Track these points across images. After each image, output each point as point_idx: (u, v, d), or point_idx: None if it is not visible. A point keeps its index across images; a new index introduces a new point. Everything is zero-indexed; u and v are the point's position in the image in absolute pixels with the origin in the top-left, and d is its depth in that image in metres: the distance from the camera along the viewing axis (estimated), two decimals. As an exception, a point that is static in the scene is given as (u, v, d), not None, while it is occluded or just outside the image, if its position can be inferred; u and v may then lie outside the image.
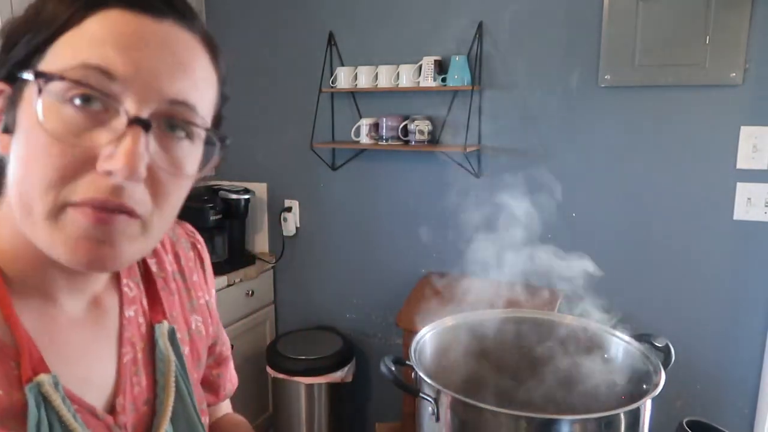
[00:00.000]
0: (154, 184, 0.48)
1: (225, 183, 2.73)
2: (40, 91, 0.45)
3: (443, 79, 2.25)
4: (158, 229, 0.51)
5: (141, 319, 0.61)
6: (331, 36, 2.49)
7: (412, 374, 0.78)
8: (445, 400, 0.71)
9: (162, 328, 0.62)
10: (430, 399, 0.72)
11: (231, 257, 2.63)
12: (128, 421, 0.57)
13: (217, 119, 0.56)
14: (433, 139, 2.36)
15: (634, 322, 2.22)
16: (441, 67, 2.26)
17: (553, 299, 2.03)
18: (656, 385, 0.72)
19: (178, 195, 0.52)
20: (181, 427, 0.60)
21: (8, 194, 0.49)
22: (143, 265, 0.64)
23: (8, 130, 0.48)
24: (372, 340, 2.68)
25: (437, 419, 0.72)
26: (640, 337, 0.85)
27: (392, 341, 2.62)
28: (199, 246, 0.74)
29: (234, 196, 2.60)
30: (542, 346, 0.94)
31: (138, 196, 0.47)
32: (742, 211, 2.01)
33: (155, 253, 0.66)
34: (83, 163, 0.45)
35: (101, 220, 0.46)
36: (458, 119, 2.34)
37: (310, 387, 2.43)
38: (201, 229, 2.82)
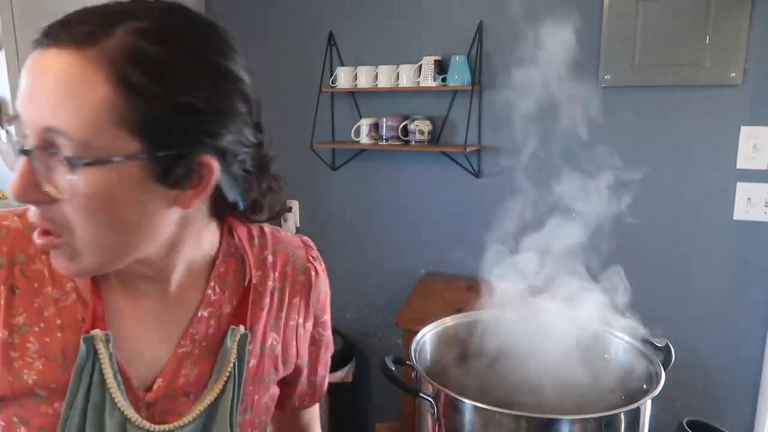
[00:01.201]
0: (58, 206, 0.52)
1: (225, 183, 2.73)
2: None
3: (443, 79, 2.25)
4: (88, 247, 0.54)
5: (213, 321, 0.67)
6: (331, 36, 2.49)
7: (412, 374, 0.78)
8: (445, 400, 0.71)
9: (236, 332, 0.66)
10: (430, 399, 0.72)
11: (231, 257, 2.63)
12: (159, 402, 0.63)
13: (162, 123, 0.52)
14: (433, 139, 2.36)
15: (635, 322, 2.22)
16: (441, 67, 2.26)
17: (553, 299, 2.03)
18: (656, 385, 0.72)
19: (85, 215, 0.52)
20: (213, 419, 0.64)
21: None
22: (246, 274, 0.69)
23: None
24: (372, 340, 2.68)
25: (437, 419, 0.72)
26: (640, 337, 0.85)
27: (392, 341, 2.62)
28: (313, 273, 0.77)
29: (234, 196, 2.60)
30: (542, 346, 0.94)
31: (48, 218, 0.53)
32: (742, 211, 2.01)
33: (263, 267, 0.72)
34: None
35: (44, 242, 0.55)
36: (458, 119, 2.34)
37: (310, 387, 2.43)
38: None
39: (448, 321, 0.93)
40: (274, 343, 0.71)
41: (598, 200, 2.28)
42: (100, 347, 0.59)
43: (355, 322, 2.69)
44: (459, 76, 2.22)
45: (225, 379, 0.64)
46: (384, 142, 2.35)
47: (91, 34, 0.51)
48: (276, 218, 0.74)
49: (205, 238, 0.67)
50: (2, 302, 0.59)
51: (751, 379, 2.08)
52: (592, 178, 2.27)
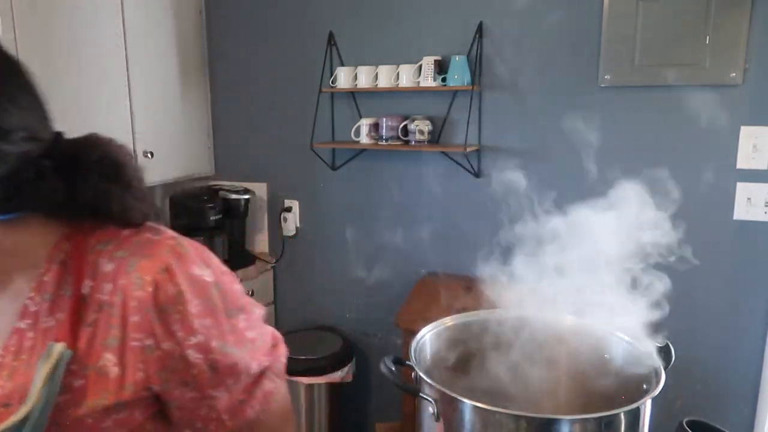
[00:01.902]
0: None
1: (225, 183, 2.73)
2: None
3: (443, 79, 2.25)
4: None
5: (32, 334, 0.63)
6: (331, 36, 2.49)
7: (412, 374, 0.78)
8: (445, 400, 0.71)
9: (55, 348, 0.61)
10: (430, 399, 0.72)
11: (231, 257, 2.63)
12: None
13: None
14: (433, 139, 2.36)
15: (635, 323, 2.21)
16: (441, 67, 2.26)
17: (553, 299, 2.03)
18: (656, 385, 0.72)
19: None
20: None
21: None
22: (75, 284, 0.63)
23: None
24: (372, 340, 2.68)
25: (437, 419, 0.72)
26: (640, 338, 0.85)
27: (392, 341, 2.62)
28: (152, 288, 0.63)
29: (234, 196, 2.60)
30: (542, 346, 0.94)
31: None
32: (742, 211, 2.02)
33: (96, 277, 0.64)
34: None
35: None
36: (458, 119, 2.34)
37: (310, 387, 2.43)
38: (201, 229, 2.79)
39: (448, 321, 0.93)
40: (109, 364, 0.63)
41: (598, 200, 2.28)
42: None
43: (355, 322, 2.70)
44: (459, 76, 2.22)
45: (37, 396, 0.59)
46: (384, 142, 2.35)
47: None
48: (137, 225, 0.68)
49: (27, 246, 0.64)
50: None
51: (751, 379, 2.08)
52: (592, 178, 2.27)
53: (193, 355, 0.66)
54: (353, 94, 2.49)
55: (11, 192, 0.60)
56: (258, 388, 0.74)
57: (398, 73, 2.31)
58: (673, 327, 2.15)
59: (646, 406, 0.70)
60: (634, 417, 0.69)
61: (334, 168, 2.60)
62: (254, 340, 0.75)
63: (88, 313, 0.63)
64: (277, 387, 0.79)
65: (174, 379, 0.67)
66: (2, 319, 0.63)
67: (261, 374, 0.75)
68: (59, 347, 0.61)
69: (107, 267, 0.64)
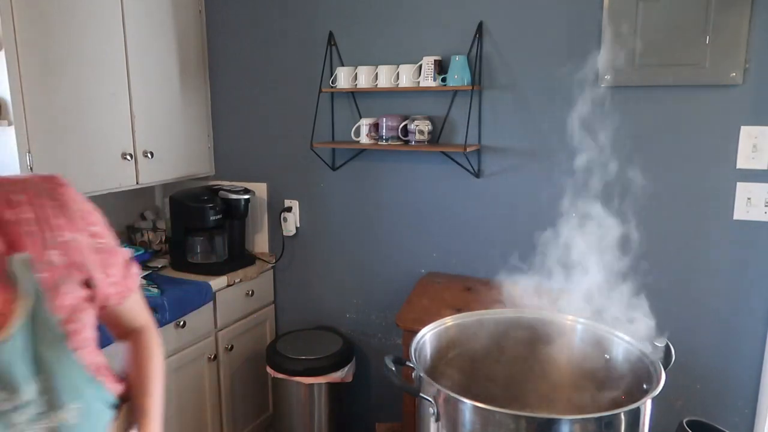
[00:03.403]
0: None
1: (225, 183, 2.73)
2: None
3: (443, 79, 2.25)
4: None
5: None
6: (331, 36, 2.49)
7: (412, 374, 0.78)
8: (445, 400, 0.71)
9: (17, 259, 0.80)
10: (430, 399, 0.72)
11: (231, 257, 2.63)
12: None
13: None
14: (433, 139, 2.36)
15: (635, 322, 2.21)
16: (441, 67, 2.26)
17: (553, 299, 2.03)
18: (656, 385, 0.72)
19: None
20: (36, 328, 0.80)
21: None
22: (1, 216, 0.82)
23: None
24: (372, 340, 2.68)
25: (437, 419, 0.72)
26: (640, 337, 0.85)
27: (392, 341, 2.62)
28: (60, 195, 0.88)
29: (234, 196, 2.60)
30: (542, 346, 0.94)
31: None
32: (742, 211, 2.01)
33: (12, 206, 0.83)
34: None
35: None
36: (458, 119, 2.34)
37: (310, 387, 2.43)
38: (201, 229, 2.79)
39: (448, 321, 0.93)
40: (54, 255, 0.85)
41: (599, 200, 2.28)
42: None
43: (355, 322, 2.70)
44: (459, 76, 2.22)
45: (28, 294, 0.79)
46: (384, 142, 2.35)
47: None
48: None
49: None
50: None
51: (751, 379, 2.08)
52: (592, 178, 2.27)
53: (99, 241, 0.91)
54: (353, 94, 2.49)
55: None
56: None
57: (398, 73, 2.31)
58: (673, 327, 2.15)
59: (646, 406, 0.70)
60: (634, 417, 0.68)
61: (334, 168, 2.60)
62: None
63: (23, 228, 0.83)
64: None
65: (98, 260, 0.92)
66: None
67: None
68: (23, 256, 0.80)
69: (22, 197, 0.85)
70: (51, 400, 0.81)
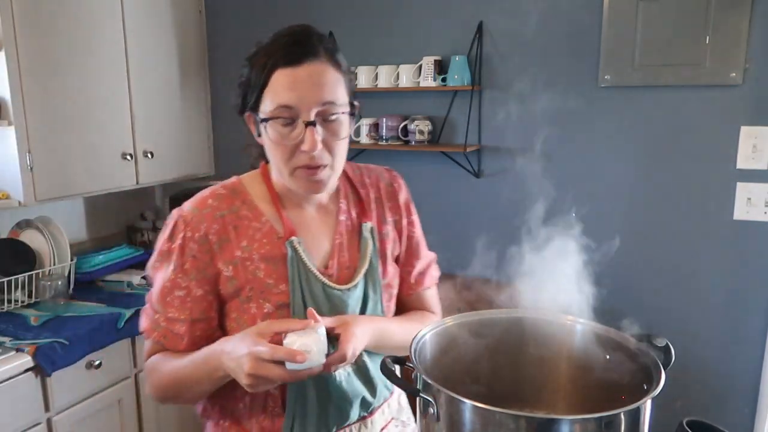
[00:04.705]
0: (327, 148, 0.93)
1: (225, 183, 2.72)
2: (265, 121, 0.93)
3: (443, 79, 2.25)
4: (339, 168, 0.97)
5: (348, 222, 1.06)
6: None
7: (412, 374, 0.78)
8: (445, 400, 0.71)
9: (367, 226, 1.06)
10: (430, 399, 0.72)
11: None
12: (334, 274, 1.01)
13: (352, 85, 0.98)
14: (433, 139, 2.36)
15: (635, 322, 2.21)
16: (441, 67, 2.26)
17: (553, 299, 2.03)
18: (656, 385, 0.72)
19: (342, 150, 0.96)
20: (368, 283, 1.03)
21: (270, 162, 1.01)
22: (357, 193, 1.09)
23: (260, 135, 0.98)
24: (372, 340, 2.68)
25: (437, 419, 0.72)
26: (640, 337, 0.85)
27: (392, 341, 2.62)
28: (396, 184, 1.15)
29: (234, 196, 2.60)
30: (542, 346, 0.94)
31: (325, 156, 0.93)
32: (742, 211, 2.01)
33: (365, 186, 1.11)
34: (292, 149, 0.92)
35: (311, 173, 0.94)
36: (458, 119, 2.34)
37: (310, 387, 2.43)
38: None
39: (448, 321, 0.93)
40: (388, 230, 1.09)
41: (599, 200, 2.29)
42: (297, 246, 0.98)
43: (355, 322, 2.69)
44: (459, 76, 2.22)
45: (369, 255, 1.03)
46: (384, 142, 2.35)
47: (317, 48, 0.92)
48: None
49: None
50: (232, 235, 0.98)
51: (751, 379, 2.08)
52: (592, 178, 2.27)
53: (412, 230, 1.15)
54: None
55: None
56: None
57: (398, 73, 2.31)
58: (673, 327, 2.17)
59: (646, 406, 0.70)
60: (634, 417, 0.68)
61: (334, 168, 2.60)
62: None
63: (369, 205, 1.09)
64: None
65: (408, 247, 1.15)
66: (329, 217, 1.05)
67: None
68: (368, 225, 1.06)
69: (368, 180, 1.14)
70: None
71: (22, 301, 2.05)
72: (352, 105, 0.96)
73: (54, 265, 2.12)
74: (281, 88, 0.89)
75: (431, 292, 1.21)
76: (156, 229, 2.80)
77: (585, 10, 2.10)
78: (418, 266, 1.15)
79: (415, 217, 1.15)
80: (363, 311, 1.02)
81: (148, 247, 2.71)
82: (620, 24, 2.04)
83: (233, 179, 1.07)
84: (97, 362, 1.91)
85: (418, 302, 1.18)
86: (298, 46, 0.90)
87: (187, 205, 1.00)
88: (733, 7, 1.91)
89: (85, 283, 2.31)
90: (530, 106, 2.25)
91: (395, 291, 1.10)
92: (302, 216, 1.03)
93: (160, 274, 0.98)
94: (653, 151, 2.10)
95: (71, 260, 2.18)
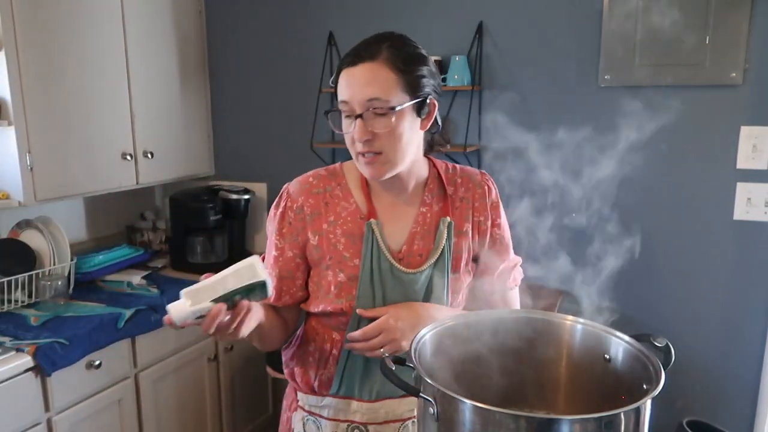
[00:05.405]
0: (379, 138, 1.02)
1: (225, 183, 2.73)
2: (334, 113, 1.07)
3: (443, 79, 2.25)
4: (395, 157, 1.04)
5: (429, 215, 1.14)
6: (331, 36, 2.49)
7: (412, 374, 0.78)
8: (445, 400, 0.71)
9: (445, 220, 1.13)
10: (430, 399, 0.72)
11: (231, 257, 2.63)
12: (405, 259, 1.11)
13: (414, 85, 1.03)
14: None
15: (635, 322, 2.22)
16: (441, 67, 2.26)
17: (553, 299, 2.03)
18: (656, 385, 0.72)
19: (394, 142, 1.03)
20: (437, 272, 1.11)
21: None
22: (444, 190, 1.16)
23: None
24: (372, 340, 2.68)
25: (437, 419, 0.72)
26: (640, 337, 0.85)
27: (392, 341, 2.62)
28: (486, 186, 1.20)
29: (234, 196, 2.60)
30: (542, 346, 0.94)
31: (376, 145, 1.02)
32: (742, 211, 2.02)
33: (455, 184, 1.17)
34: (352, 138, 1.04)
35: (368, 161, 1.04)
36: (458, 119, 2.34)
37: (310, 387, 2.43)
38: (201, 229, 2.77)
39: (448, 321, 0.93)
40: (468, 229, 1.16)
41: (599, 200, 2.28)
42: (375, 228, 1.09)
43: (355, 322, 2.69)
44: (459, 76, 2.22)
45: (441, 247, 1.11)
46: (384, 142, 2.35)
47: (373, 51, 1.02)
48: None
49: (421, 167, 1.15)
50: (323, 210, 1.12)
51: (751, 379, 2.08)
52: (592, 178, 2.26)
53: (497, 232, 1.20)
54: (353, 94, 2.48)
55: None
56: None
57: (398, 73, 2.30)
58: (673, 327, 2.16)
59: (646, 406, 0.70)
60: (634, 417, 0.68)
61: (334, 168, 2.60)
62: None
63: (454, 203, 1.16)
64: None
65: (491, 247, 1.20)
66: (412, 208, 1.14)
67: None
68: (447, 220, 1.13)
69: (459, 180, 1.18)
70: None
71: (22, 301, 2.05)
72: (421, 101, 1.04)
73: (54, 265, 2.13)
74: (341, 86, 1.04)
75: (513, 294, 1.25)
76: (156, 229, 2.80)
77: (585, 10, 2.10)
78: (502, 266, 1.20)
79: (503, 220, 1.21)
80: (427, 298, 1.11)
81: (148, 247, 2.71)
82: (620, 24, 2.04)
83: (337, 164, 1.19)
84: (97, 362, 1.91)
85: (502, 302, 1.22)
86: (360, 49, 1.03)
87: (294, 181, 1.18)
88: (733, 7, 1.91)
89: (85, 283, 2.31)
90: (530, 106, 2.25)
91: (463, 285, 1.17)
92: (386, 203, 1.13)
93: (269, 234, 1.19)
94: (653, 151, 2.10)
95: (71, 260, 2.18)
